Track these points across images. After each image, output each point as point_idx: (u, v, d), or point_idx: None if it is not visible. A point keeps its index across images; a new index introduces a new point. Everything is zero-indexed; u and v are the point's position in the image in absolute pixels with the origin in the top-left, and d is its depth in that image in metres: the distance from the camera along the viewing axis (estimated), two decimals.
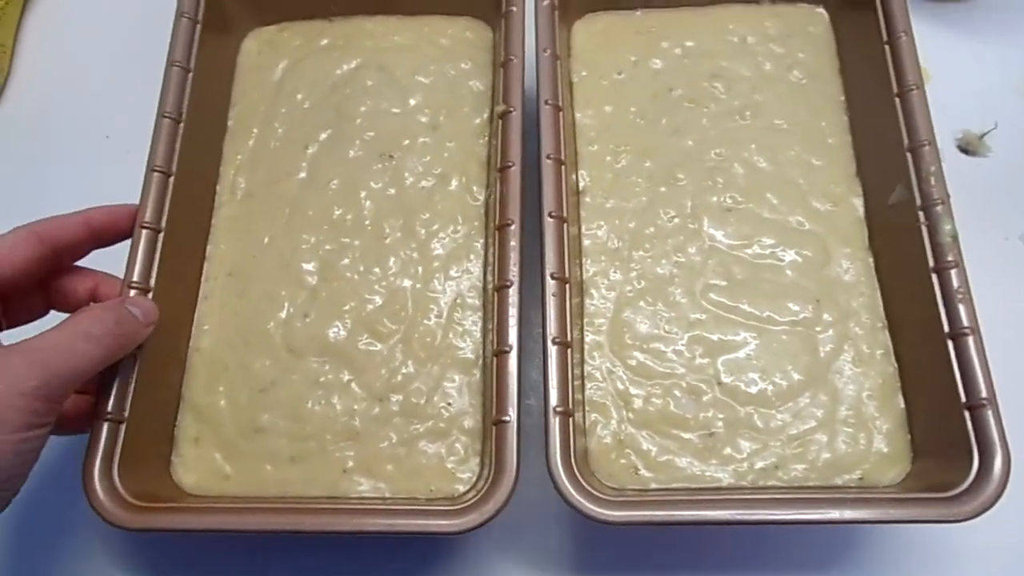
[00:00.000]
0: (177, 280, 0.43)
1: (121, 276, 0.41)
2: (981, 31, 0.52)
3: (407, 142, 0.48)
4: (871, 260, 0.42)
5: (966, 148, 0.49)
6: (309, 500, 0.39)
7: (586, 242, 0.44)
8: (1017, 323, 0.44)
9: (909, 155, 0.40)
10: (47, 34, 0.59)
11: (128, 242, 0.41)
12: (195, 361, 0.43)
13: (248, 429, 0.41)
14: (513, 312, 0.39)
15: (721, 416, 0.39)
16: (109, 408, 0.38)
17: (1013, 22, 0.52)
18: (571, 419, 0.37)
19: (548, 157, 0.42)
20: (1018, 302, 0.46)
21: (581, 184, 0.45)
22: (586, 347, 0.42)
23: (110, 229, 0.41)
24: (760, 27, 0.48)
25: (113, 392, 0.38)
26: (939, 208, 0.38)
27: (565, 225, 0.41)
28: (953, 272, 0.37)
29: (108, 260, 0.42)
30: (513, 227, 0.41)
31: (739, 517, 0.34)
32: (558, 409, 0.37)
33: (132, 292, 0.40)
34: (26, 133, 0.55)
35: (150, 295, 0.41)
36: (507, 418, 0.37)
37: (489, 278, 0.43)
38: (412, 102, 0.49)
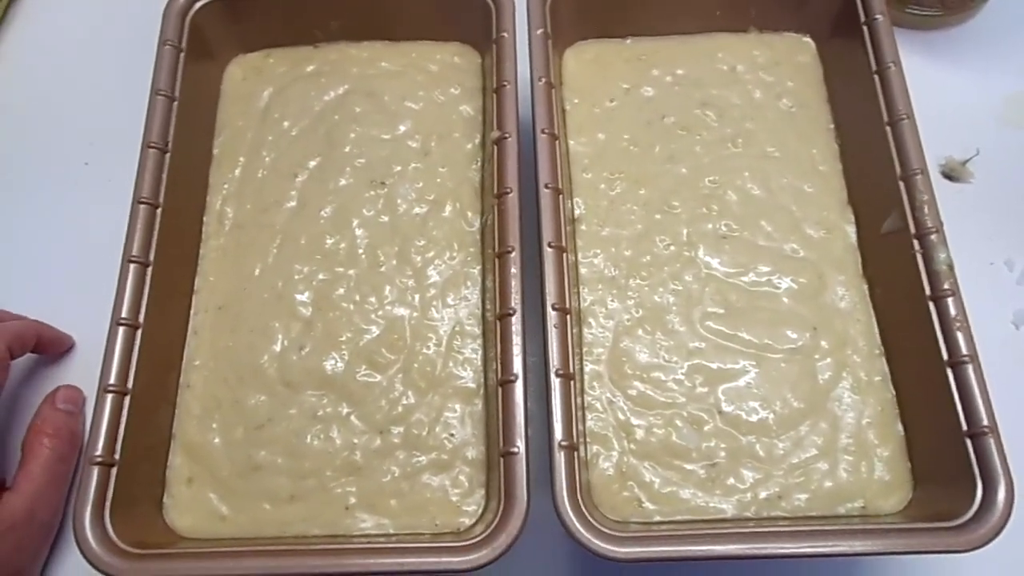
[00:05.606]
0: (165, 315, 0.42)
1: (109, 312, 0.39)
2: (963, 59, 0.54)
3: (399, 168, 0.47)
4: (865, 287, 0.43)
5: (950, 174, 0.50)
6: (310, 540, 0.38)
7: (583, 270, 0.44)
8: (1003, 347, 0.45)
9: (902, 184, 0.41)
10: (22, 60, 0.57)
11: (115, 277, 0.40)
12: (186, 398, 0.42)
13: (244, 467, 0.40)
14: (517, 340, 0.39)
15: (723, 446, 0.40)
16: (99, 451, 0.37)
17: (994, 51, 0.54)
18: (576, 453, 0.37)
19: (546, 186, 0.42)
20: (1004, 326, 0.46)
21: (577, 212, 0.45)
22: (586, 377, 0.41)
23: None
24: (748, 56, 0.49)
25: (103, 434, 0.37)
26: (934, 237, 0.39)
27: (565, 255, 0.41)
28: (950, 300, 0.38)
29: (94, 296, 0.40)
30: (513, 254, 0.40)
31: (748, 552, 0.34)
32: (563, 444, 0.36)
33: (121, 329, 0.39)
34: (2, 158, 0.53)
35: (139, 332, 0.40)
36: (515, 449, 0.36)
37: (488, 305, 0.43)
38: (402, 128, 0.49)
